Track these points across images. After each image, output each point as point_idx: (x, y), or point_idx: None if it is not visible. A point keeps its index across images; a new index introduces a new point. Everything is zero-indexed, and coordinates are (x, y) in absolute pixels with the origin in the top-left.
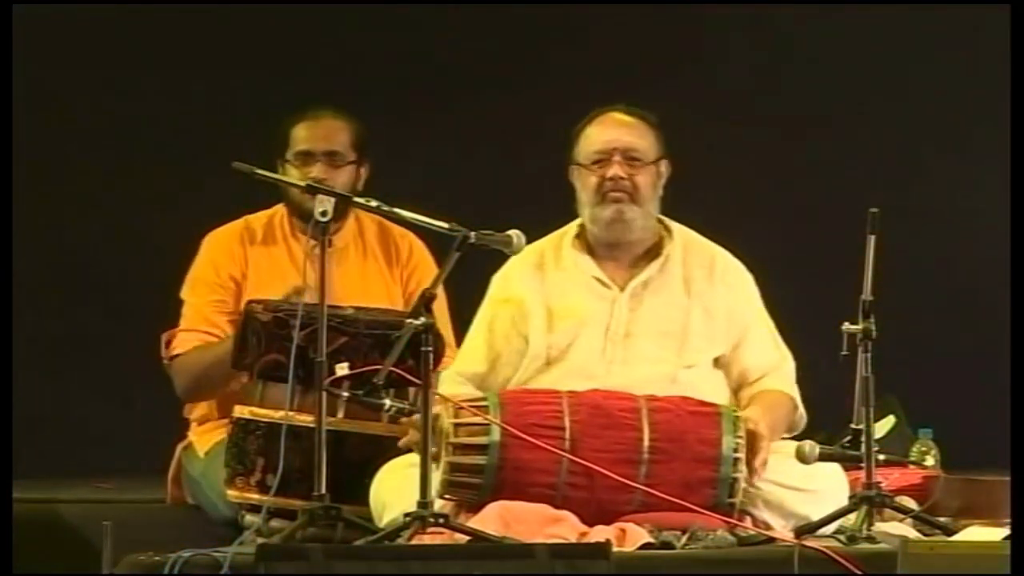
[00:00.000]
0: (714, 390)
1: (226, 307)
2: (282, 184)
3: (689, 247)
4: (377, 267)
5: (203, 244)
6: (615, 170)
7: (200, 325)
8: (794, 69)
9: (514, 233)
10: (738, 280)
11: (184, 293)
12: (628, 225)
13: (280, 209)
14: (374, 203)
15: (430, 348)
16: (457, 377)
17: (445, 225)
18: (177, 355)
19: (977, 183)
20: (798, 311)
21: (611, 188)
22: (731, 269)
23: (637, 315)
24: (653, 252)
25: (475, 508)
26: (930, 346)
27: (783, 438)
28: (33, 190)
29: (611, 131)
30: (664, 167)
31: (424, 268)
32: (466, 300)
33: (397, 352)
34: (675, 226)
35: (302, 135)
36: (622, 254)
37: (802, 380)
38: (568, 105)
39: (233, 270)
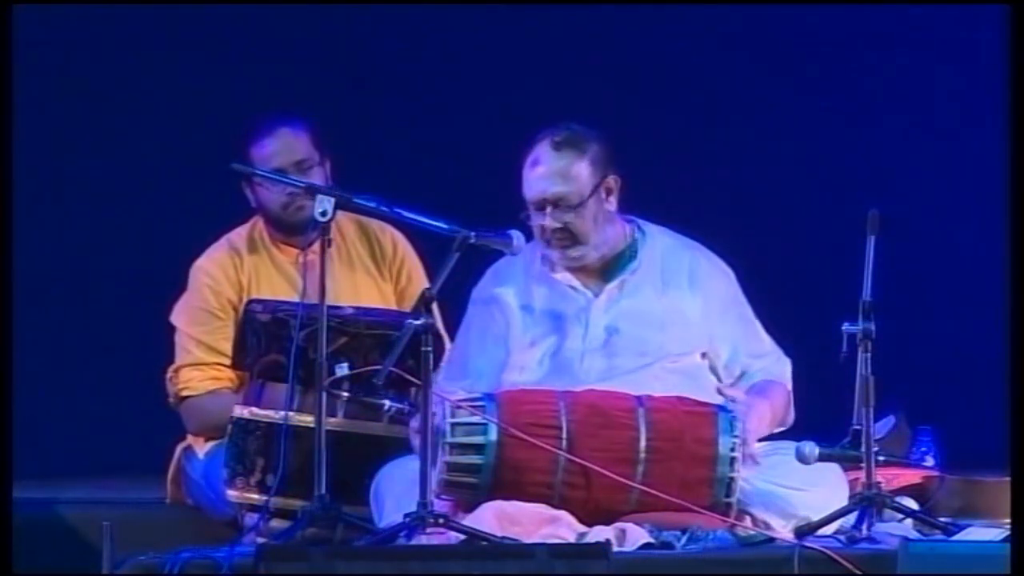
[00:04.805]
0: (700, 386)
1: (228, 332)
2: (282, 184)
3: (666, 249)
4: (365, 270)
5: (194, 273)
6: (549, 222)
7: (206, 357)
8: (794, 69)
9: (514, 233)
10: (718, 279)
11: (181, 323)
12: (579, 259)
13: (257, 221)
14: (374, 203)
15: (430, 348)
16: (446, 385)
17: (445, 225)
18: (188, 397)
19: (976, 183)
20: (798, 311)
21: (550, 237)
22: (711, 269)
23: (614, 319)
24: (627, 255)
25: (472, 508)
26: (930, 346)
27: (775, 434)
28: (34, 189)
29: (537, 184)
30: (611, 183)
31: (411, 260)
32: (466, 301)
33: (397, 352)
34: (651, 228)
35: (267, 153)
36: (589, 266)
37: (802, 380)
38: (569, 105)
39: (231, 295)
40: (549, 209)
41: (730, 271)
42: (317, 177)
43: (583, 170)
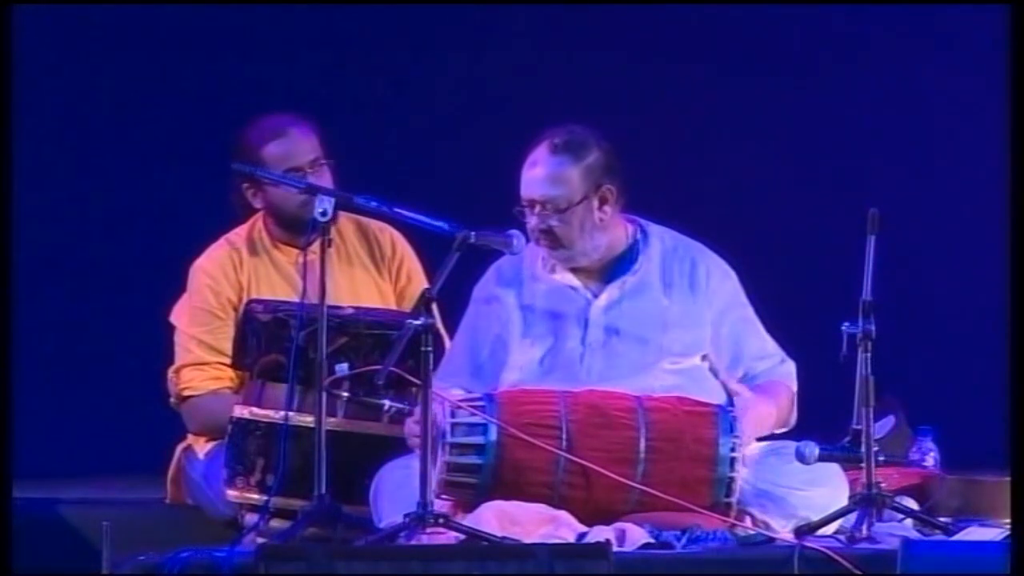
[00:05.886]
0: (700, 388)
1: (228, 332)
2: (284, 184)
3: (668, 250)
4: (364, 269)
5: (194, 273)
6: (533, 222)
7: (207, 357)
8: (794, 69)
9: (514, 233)
10: (721, 280)
11: (182, 323)
12: (567, 261)
13: (257, 221)
14: (374, 203)
15: (430, 348)
16: (445, 384)
17: (445, 225)
18: (189, 396)
19: (976, 183)
20: (798, 311)
21: (538, 237)
22: (714, 271)
23: (615, 321)
24: (628, 256)
25: (472, 508)
26: (930, 346)
27: (775, 434)
28: (34, 189)
29: (529, 184)
30: (606, 193)
31: (410, 259)
32: (466, 301)
33: (397, 352)
34: (653, 229)
35: (281, 153)
36: (589, 267)
37: (802, 380)
38: (569, 104)
39: (231, 295)
40: (537, 209)
41: (732, 272)
42: (329, 173)
43: (574, 176)
